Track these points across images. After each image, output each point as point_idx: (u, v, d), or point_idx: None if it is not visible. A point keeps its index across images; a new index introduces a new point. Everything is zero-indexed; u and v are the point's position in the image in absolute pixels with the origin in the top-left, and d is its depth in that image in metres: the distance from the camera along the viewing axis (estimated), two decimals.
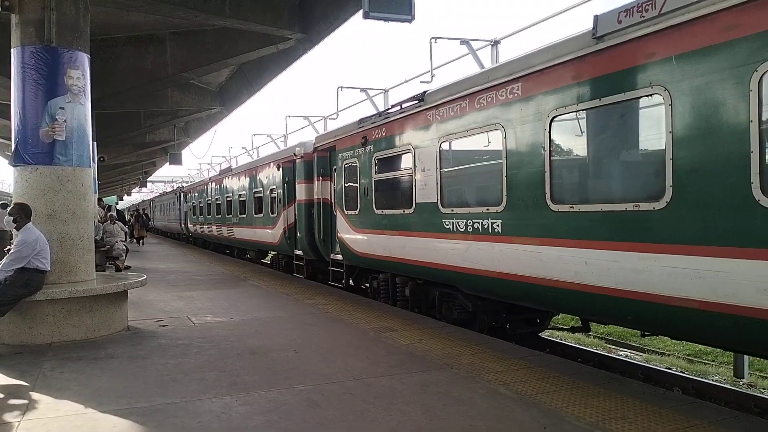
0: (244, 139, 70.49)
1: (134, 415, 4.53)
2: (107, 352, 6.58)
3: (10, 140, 24.30)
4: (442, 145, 8.29)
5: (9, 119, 17.70)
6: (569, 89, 6.09)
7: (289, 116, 26.85)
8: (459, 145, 8.18)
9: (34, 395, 5.07)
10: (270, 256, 20.57)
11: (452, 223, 7.92)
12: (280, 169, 15.93)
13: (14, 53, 7.71)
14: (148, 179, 47.30)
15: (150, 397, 4.97)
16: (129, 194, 63.28)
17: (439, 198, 8.28)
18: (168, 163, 25.41)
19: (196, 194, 29.42)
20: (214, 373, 5.67)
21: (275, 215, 16.42)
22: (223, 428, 4.24)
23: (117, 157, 27.58)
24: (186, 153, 27.48)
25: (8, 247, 7.67)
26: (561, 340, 10.55)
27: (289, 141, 24.23)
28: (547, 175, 6.32)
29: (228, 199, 22.28)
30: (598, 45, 5.70)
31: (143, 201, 59.86)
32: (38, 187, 7.51)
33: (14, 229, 7.19)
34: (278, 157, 16.81)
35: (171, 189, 47.89)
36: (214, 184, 25.33)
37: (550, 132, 6.32)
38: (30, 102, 7.59)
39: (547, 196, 6.29)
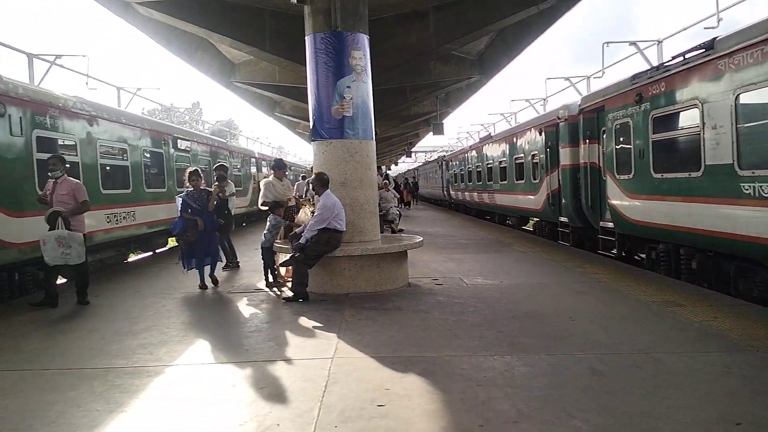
0: (502, 106, 70.33)
1: (425, 362, 4.96)
2: (394, 305, 7.30)
3: (299, 119, 27.59)
4: (739, 98, 7.22)
5: (298, 100, 20.40)
6: None
7: (548, 78, 25.98)
8: (763, 96, 7.02)
9: (341, 336, 5.89)
10: (532, 222, 20.42)
11: (754, 187, 6.89)
12: (542, 133, 15.59)
13: (308, 41, 8.80)
14: (412, 150, 50.46)
15: (437, 348, 5.40)
16: (396, 164, 68.27)
17: (735, 158, 7.26)
18: (432, 133, 26.67)
19: (457, 162, 30.50)
20: (492, 333, 5.89)
21: (537, 181, 16.18)
22: (507, 384, 4.40)
23: (386, 130, 29.84)
24: (447, 122, 28.52)
25: (312, 209, 8.94)
26: None
27: (549, 105, 23.53)
28: None
29: (488, 165, 22.63)
30: None
31: (408, 170, 64.21)
32: (332, 158, 8.55)
33: (315, 195, 8.32)
34: (539, 121, 16.46)
35: (433, 158, 50.40)
36: (474, 152, 25.94)
37: None
38: (323, 83, 8.61)
39: None
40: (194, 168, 9.33)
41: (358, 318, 6.67)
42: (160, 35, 13.66)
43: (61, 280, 9.41)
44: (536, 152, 16.29)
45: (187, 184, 8.95)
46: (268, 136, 66.29)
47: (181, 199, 8.96)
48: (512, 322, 6.33)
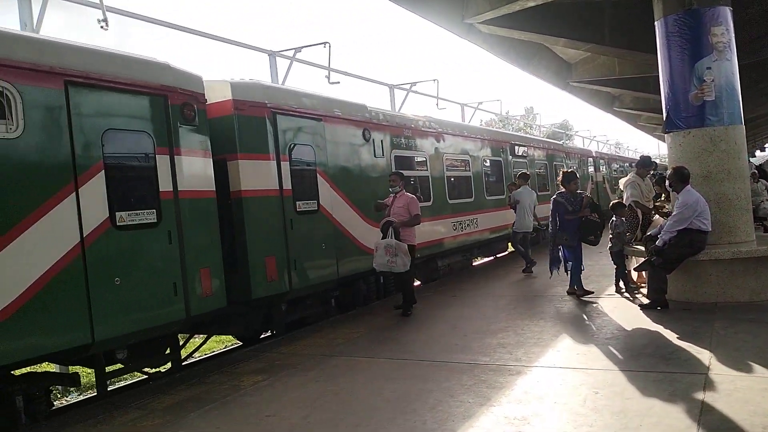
0: None
1: None
2: None
3: (640, 111, 25.74)
4: None
5: (639, 91, 19.15)
6: None
7: None
8: None
9: (713, 351, 5.34)
10: None
11: None
12: None
13: (657, 26, 8.24)
14: None
15: None
16: (762, 149, 58.50)
17: None
18: None
19: None
20: None
21: None
22: None
23: (751, 111, 25.86)
24: None
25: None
26: None
27: None
28: None
29: None
30: None
31: None
32: (691, 149, 7.83)
33: (673, 192, 7.70)
34: None
35: None
36: None
37: None
38: (677, 68, 7.98)
39: None
40: (571, 170, 9.24)
41: (733, 331, 5.95)
42: (499, 48, 14.47)
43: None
44: None
45: (561, 186, 8.74)
46: (605, 134, 63.90)
47: (554, 200, 8.71)
48: None
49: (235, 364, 6.46)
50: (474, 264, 15.21)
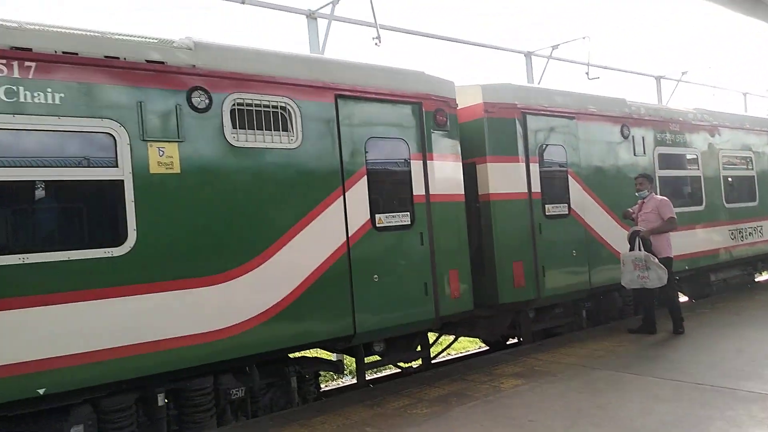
0: None
1: None
2: None
3: None
4: None
5: None
6: None
7: None
8: None
9: None
10: None
11: None
12: None
13: None
14: None
15: None
16: None
17: None
18: None
19: None
20: None
21: None
22: None
23: None
24: None
25: None
26: None
27: None
28: None
29: None
30: None
31: None
32: None
33: None
34: None
35: None
36: None
37: None
38: None
39: None
40: None
41: None
42: None
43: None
44: None
45: None
46: None
47: None
48: None
49: (493, 365, 6.58)
50: (757, 280, 13.24)
